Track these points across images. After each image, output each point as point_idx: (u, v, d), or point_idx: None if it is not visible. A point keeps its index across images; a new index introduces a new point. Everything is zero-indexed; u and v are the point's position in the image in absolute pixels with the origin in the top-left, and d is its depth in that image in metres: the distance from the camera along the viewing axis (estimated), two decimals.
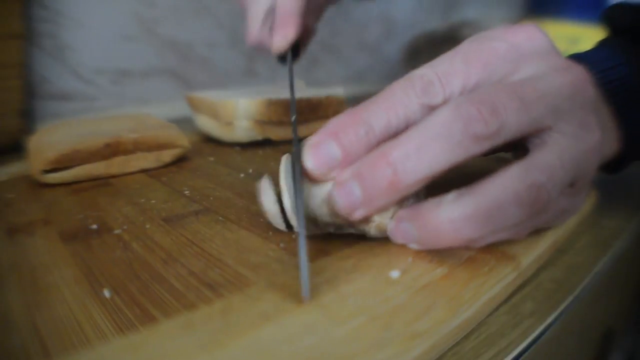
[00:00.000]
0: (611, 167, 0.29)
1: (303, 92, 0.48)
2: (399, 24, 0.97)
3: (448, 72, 0.20)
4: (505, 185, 0.19)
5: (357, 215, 0.20)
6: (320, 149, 0.20)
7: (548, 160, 0.19)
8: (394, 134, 0.20)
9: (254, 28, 0.37)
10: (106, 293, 0.19)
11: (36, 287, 0.20)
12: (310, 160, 0.20)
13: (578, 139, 0.21)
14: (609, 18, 0.31)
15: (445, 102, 0.20)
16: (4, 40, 0.45)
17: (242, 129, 0.42)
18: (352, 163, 0.20)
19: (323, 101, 0.46)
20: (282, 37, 0.35)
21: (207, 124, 0.45)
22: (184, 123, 0.47)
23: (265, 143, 0.44)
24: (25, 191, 0.32)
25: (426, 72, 0.20)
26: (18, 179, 0.34)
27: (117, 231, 0.25)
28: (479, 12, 1.17)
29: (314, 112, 0.45)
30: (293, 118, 0.28)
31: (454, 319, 0.18)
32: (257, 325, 0.17)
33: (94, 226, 0.26)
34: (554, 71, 0.21)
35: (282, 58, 0.38)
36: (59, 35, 0.54)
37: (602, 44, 0.30)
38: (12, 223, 0.26)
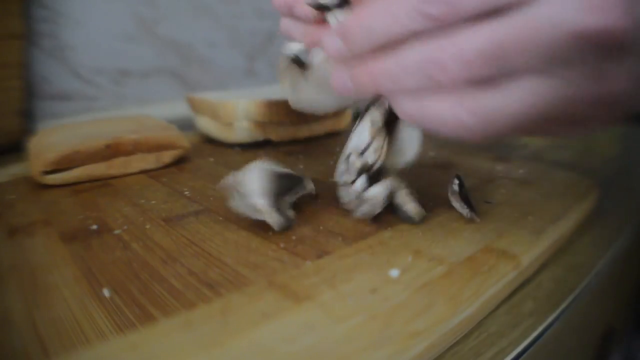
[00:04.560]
0: None
1: None
2: None
3: None
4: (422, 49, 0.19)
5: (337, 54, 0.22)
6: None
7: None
8: None
9: None
10: (106, 293, 0.19)
11: (36, 287, 0.20)
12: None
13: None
14: None
15: None
16: (4, 40, 0.46)
17: (242, 130, 0.42)
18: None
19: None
20: None
21: (207, 125, 0.45)
22: (184, 124, 0.47)
23: (265, 144, 0.44)
24: (26, 192, 0.32)
25: None
26: (18, 180, 0.34)
27: (117, 231, 0.25)
28: None
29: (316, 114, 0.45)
30: None
31: (453, 317, 0.18)
32: (257, 324, 0.17)
33: (94, 227, 0.26)
34: None
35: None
36: (59, 35, 0.54)
37: None
38: (12, 224, 0.26)
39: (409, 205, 0.26)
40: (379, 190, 0.24)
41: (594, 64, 0.17)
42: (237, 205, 0.25)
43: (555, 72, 0.17)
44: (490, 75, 0.18)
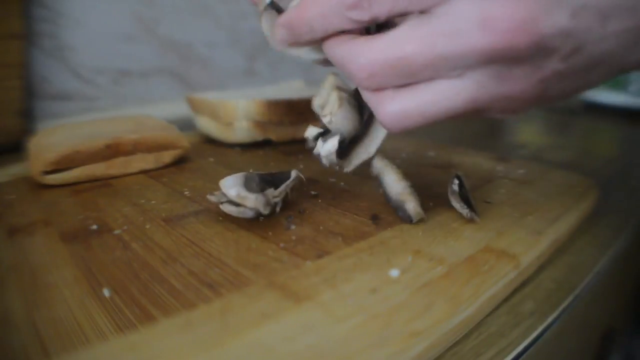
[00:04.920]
0: None
1: (303, 92, 0.48)
2: None
3: None
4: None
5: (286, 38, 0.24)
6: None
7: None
8: None
9: None
10: (106, 293, 0.19)
11: (36, 287, 0.20)
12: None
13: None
14: None
15: None
16: (4, 40, 0.46)
17: (242, 130, 0.42)
18: None
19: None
20: None
21: (207, 125, 0.45)
22: (184, 124, 0.47)
23: (265, 144, 0.44)
24: (26, 192, 0.32)
25: None
26: (18, 180, 0.34)
27: (117, 231, 0.25)
28: None
29: (314, 112, 0.45)
30: None
31: (453, 317, 0.18)
32: (257, 324, 0.17)
33: (94, 227, 0.26)
34: None
35: None
36: (59, 35, 0.54)
37: None
38: (12, 224, 0.26)
39: (409, 204, 0.26)
40: (329, 147, 0.25)
41: (497, 69, 0.19)
42: (226, 208, 0.25)
43: (463, 75, 0.19)
44: (397, 82, 0.20)
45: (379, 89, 0.21)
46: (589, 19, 0.18)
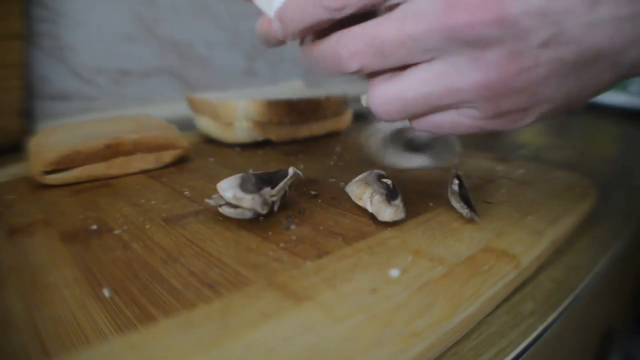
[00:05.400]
0: None
1: (303, 92, 0.48)
2: None
3: None
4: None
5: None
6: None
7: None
8: None
9: None
10: (106, 293, 0.19)
11: (36, 287, 0.20)
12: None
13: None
14: None
15: None
16: (4, 40, 0.46)
17: (242, 130, 0.42)
18: None
19: (323, 102, 0.46)
20: None
21: (207, 125, 0.45)
22: (184, 124, 0.47)
23: (265, 144, 0.44)
24: (26, 192, 0.32)
25: None
26: (18, 180, 0.34)
27: (117, 231, 0.25)
28: None
29: (314, 112, 0.45)
30: None
31: (453, 317, 0.18)
32: (257, 324, 0.17)
33: (94, 227, 0.26)
34: None
35: None
36: (59, 35, 0.54)
37: None
38: (12, 224, 0.26)
39: (386, 210, 0.26)
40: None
41: (471, 53, 0.18)
42: (224, 211, 0.25)
43: (438, 58, 0.19)
44: (376, 64, 0.20)
45: (370, 75, 0.22)
46: (569, 0, 0.17)
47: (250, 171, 0.29)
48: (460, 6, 0.17)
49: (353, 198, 0.29)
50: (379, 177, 0.29)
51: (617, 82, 0.20)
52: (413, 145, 0.32)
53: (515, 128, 0.21)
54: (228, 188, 0.25)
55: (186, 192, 0.31)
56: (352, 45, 0.20)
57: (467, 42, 0.18)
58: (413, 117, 0.22)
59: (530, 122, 0.21)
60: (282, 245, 0.23)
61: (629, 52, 0.18)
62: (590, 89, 0.20)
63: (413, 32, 0.19)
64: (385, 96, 0.21)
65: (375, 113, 0.22)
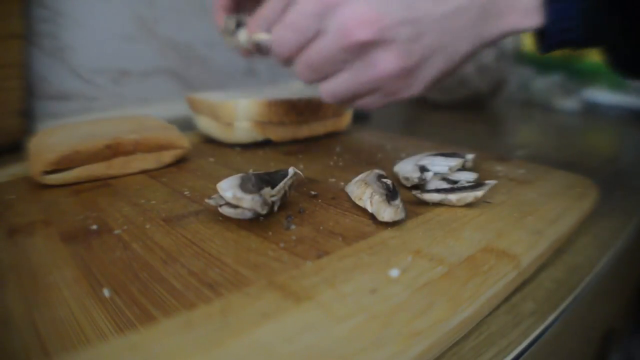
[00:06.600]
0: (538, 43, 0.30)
1: (303, 92, 0.48)
2: None
3: None
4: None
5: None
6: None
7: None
8: None
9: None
10: (106, 293, 0.19)
11: (36, 287, 0.20)
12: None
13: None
14: None
15: None
16: (4, 40, 0.46)
17: (242, 130, 0.42)
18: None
19: (323, 102, 0.46)
20: None
21: (208, 125, 0.45)
22: (184, 124, 0.47)
23: (265, 144, 0.44)
24: (26, 192, 0.32)
25: None
26: (18, 180, 0.34)
27: (117, 231, 0.25)
28: None
29: (314, 112, 0.45)
30: None
31: (453, 317, 0.18)
32: (257, 324, 0.17)
33: (94, 227, 0.26)
34: None
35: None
36: (59, 35, 0.54)
37: None
38: (12, 224, 0.26)
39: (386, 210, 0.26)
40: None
41: (364, 58, 0.28)
42: (224, 211, 0.25)
43: (347, 66, 0.29)
44: (320, 74, 0.31)
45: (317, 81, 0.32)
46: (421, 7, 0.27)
47: (250, 171, 0.29)
48: (350, 30, 0.27)
49: (353, 198, 0.29)
50: (379, 177, 0.29)
51: (476, 50, 0.29)
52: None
53: (410, 95, 0.31)
54: (228, 188, 0.25)
55: (186, 192, 0.31)
56: (300, 69, 0.31)
57: (361, 51, 0.28)
58: (350, 100, 0.32)
59: (418, 90, 0.30)
60: (282, 245, 0.23)
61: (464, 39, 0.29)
62: (454, 61, 0.29)
63: (328, 53, 0.28)
64: (326, 91, 0.31)
65: (324, 100, 0.32)
